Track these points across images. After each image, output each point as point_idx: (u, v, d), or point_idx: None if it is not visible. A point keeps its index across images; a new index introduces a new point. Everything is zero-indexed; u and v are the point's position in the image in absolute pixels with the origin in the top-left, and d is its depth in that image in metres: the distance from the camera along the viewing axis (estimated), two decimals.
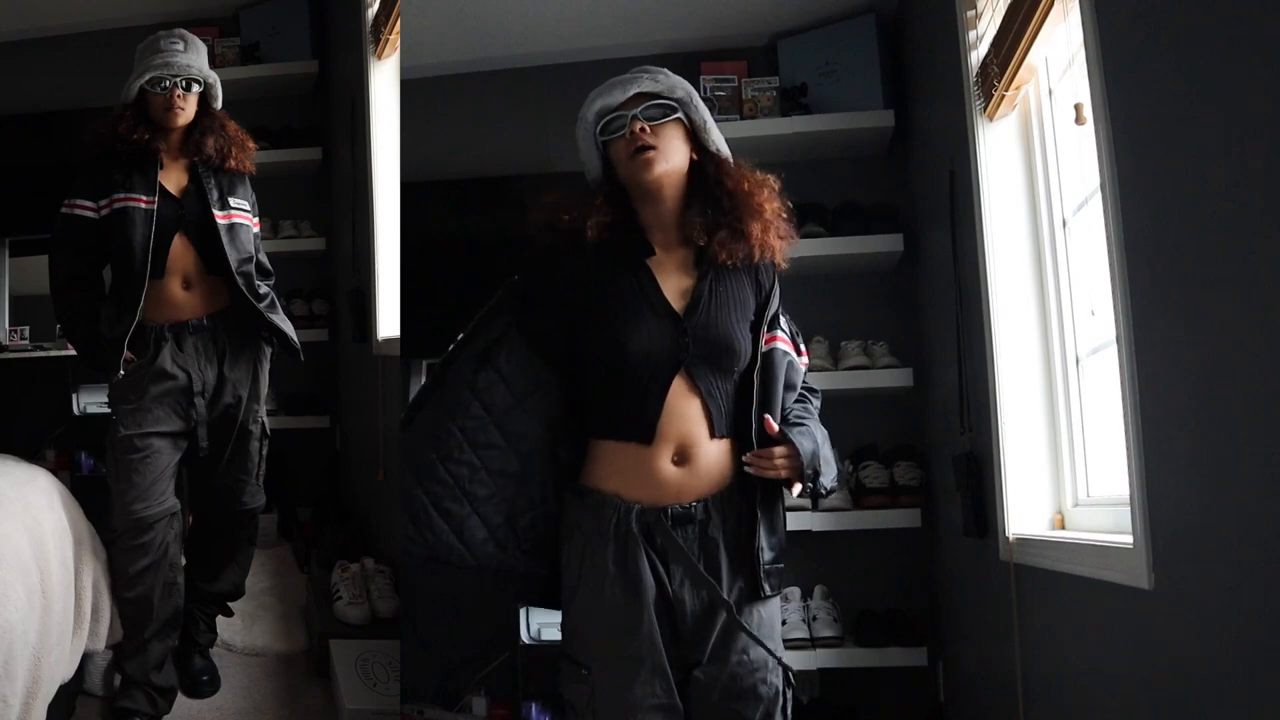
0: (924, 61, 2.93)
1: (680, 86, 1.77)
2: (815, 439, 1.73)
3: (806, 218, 3.12)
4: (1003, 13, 2.13)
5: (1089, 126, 1.71)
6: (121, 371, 2.38)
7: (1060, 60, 2.13)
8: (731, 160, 1.80)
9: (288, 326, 2.55)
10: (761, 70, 3.30)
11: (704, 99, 3.13)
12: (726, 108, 3.22)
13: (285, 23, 3.83)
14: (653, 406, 1.67)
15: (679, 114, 1.75)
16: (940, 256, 2.69)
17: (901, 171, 3.20)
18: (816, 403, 1.87)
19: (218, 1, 3.84)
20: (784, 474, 1.69)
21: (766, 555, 1.69)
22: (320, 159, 3.76)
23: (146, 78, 2.41)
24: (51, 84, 3.79)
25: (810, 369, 2.85)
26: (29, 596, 2.01)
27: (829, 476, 1.74)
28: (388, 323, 3.15)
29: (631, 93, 1.73)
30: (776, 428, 1.71)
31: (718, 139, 1.79)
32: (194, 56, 2.46)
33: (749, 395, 1.71)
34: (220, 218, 2.47)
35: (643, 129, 1.70)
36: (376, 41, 3.21)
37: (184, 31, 2.49)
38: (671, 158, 1.72)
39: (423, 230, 3.29)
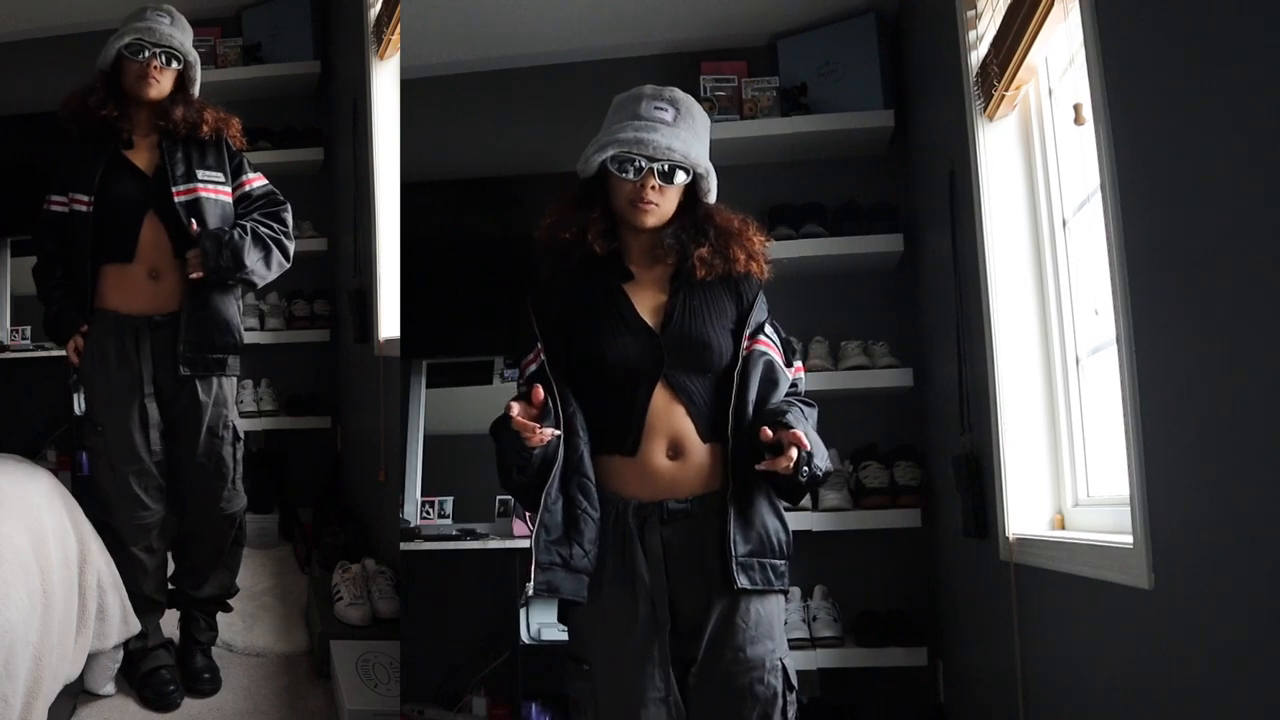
0: (924, 61, 2.93)
1: (704, 157, 1.77)
2: (805, 425, 1.69)
3: (806, 218, 3.12)
4: (1003, 13, 2.13)
5: (1089, 126, 1.71)
6: (75, 360, 2.38)
7: (1060, 60, 2.13)
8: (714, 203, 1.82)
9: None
10: (761, 70, 3.31)
11: (704, 99, 3.18)
12: (726, 108, 3.22)
13: (287, 23, 3.83)
14: (635, 420, 1.71)
15: (689, 179, 1.77)
16: (940, 256, 2.69)
17: (901, 171, 3.20)
18: (811, 411, 1.81)
19: (220, 1, 3.84)
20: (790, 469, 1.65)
21: (741, 549, 1.69)
22: (322, 159, 3.76)
23: (125, 41, 2.35)
24: (51, 84, 3.78)
25: (810, 369, 2.86)
26: (30, 596, 2.01)
27: (822, 458, 1.71)
28: (389, 323, 3.15)
29: (664, 149, 1.70)
30: (771, 434, 1.64)
31: (713, 192, 1.81)
32: (178, 31, 2.39)
33: (729, 395, 1.73)
34: (179, 194, 2.36)
35: (654, 187, 1.73)
36: (378, 41, 3.21)
37: (172, 8, 2.42)
38: (667, 212, 1.76)
39: (423, 230, 3.29)
